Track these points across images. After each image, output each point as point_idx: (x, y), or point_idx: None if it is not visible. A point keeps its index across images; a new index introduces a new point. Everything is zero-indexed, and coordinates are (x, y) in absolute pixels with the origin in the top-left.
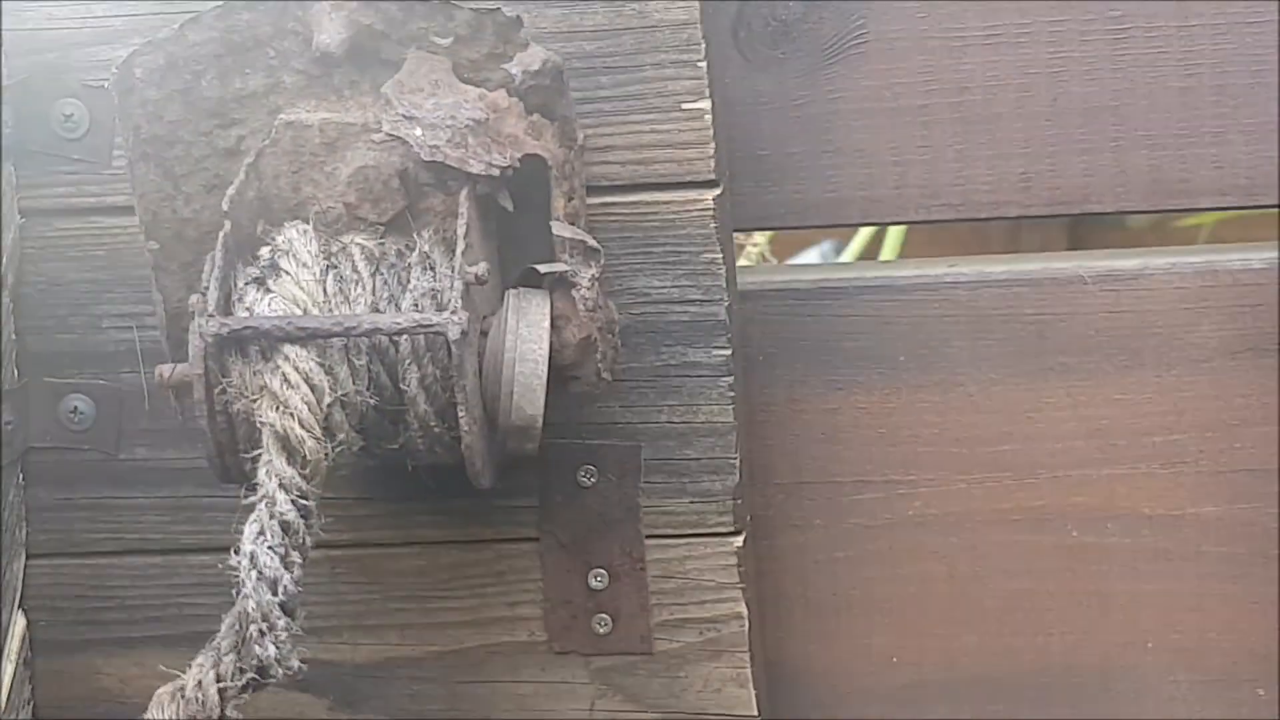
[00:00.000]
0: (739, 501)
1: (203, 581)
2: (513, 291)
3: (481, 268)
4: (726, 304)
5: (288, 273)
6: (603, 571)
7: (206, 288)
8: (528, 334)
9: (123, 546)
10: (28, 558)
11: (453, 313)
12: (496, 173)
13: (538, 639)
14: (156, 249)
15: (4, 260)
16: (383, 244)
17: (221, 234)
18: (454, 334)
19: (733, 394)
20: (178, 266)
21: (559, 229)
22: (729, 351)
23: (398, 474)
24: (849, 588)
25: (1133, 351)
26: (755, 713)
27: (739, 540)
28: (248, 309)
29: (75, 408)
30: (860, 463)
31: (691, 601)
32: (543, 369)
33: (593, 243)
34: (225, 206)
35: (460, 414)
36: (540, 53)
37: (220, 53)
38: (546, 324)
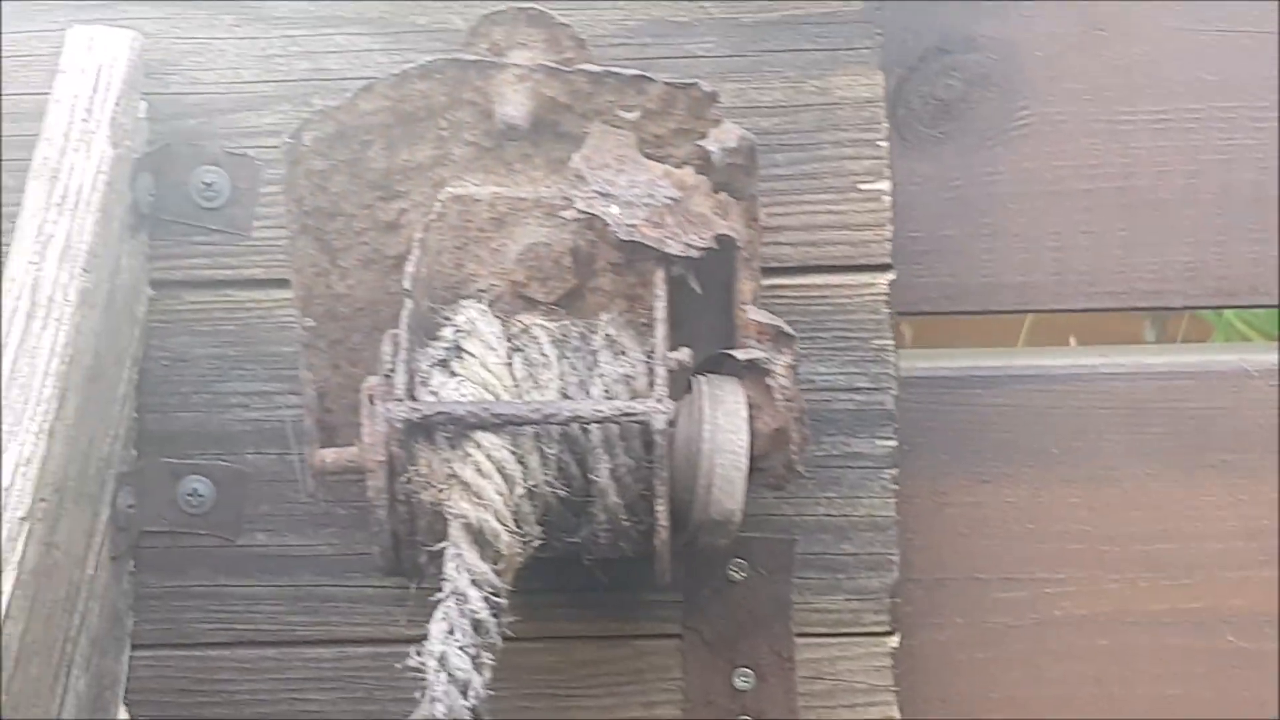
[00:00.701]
0: (896, 600)
1: (318, 676)
2: (703, 378)
3: (685, 354)
4: (894, 393)
5: (473, 355)
6: (749, 671)
7: (391, 370)
8: (725, 423)
9: (234, 638)
10: (132, 649)
11: (658, 400)
12: (695, 254)
13: None
14: (312, 325)
15: (136, 333)
16: (564, 325)
17: (405, 313)
18: (659, 423)
19: (895, 487)
20: (326, 345)
21: (754, 313)
22: (894, 443)
23: (534, 564)
24: (990, 691)
25: None
26: None
27: (894, 640)
28: (433, 393)
29: (194, 490)
30: (1006, 559)
31: (841, 704)
32: (743, 461)
33: (788, 329)
34: (407, 284)
35: (658, 507)
36: (735, 129)
37: (390, 123)
38: (744, 413)
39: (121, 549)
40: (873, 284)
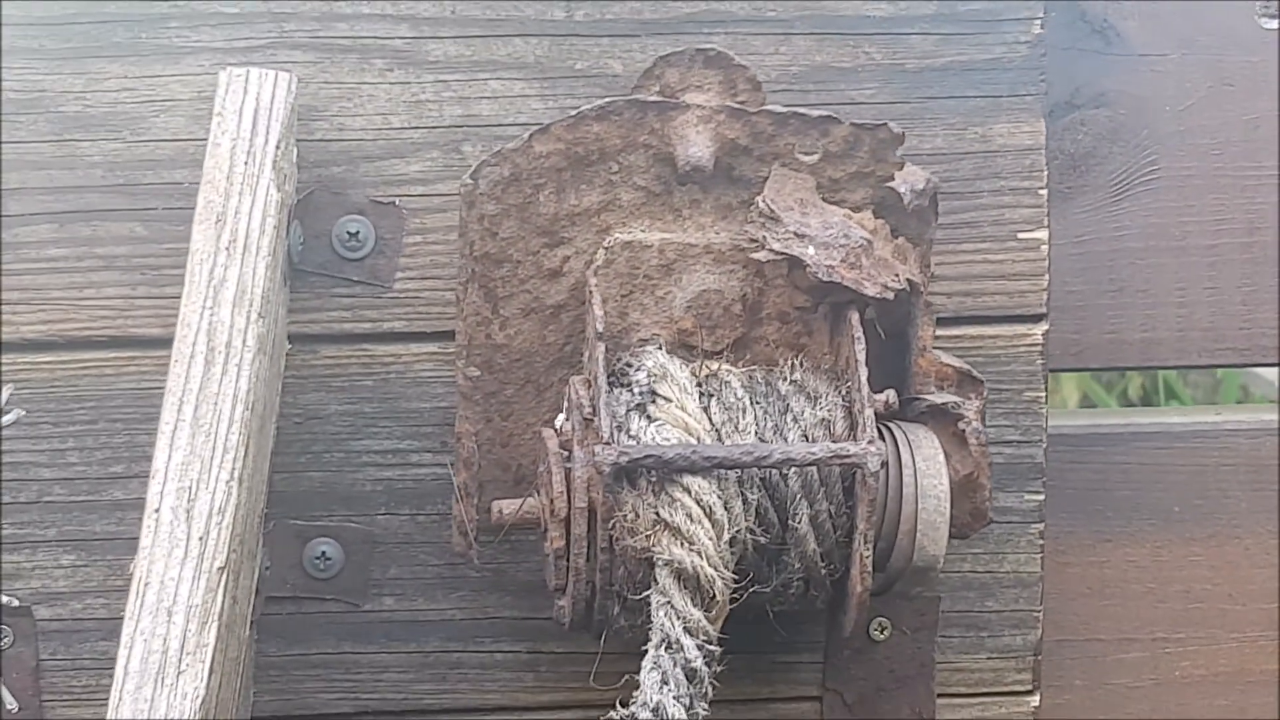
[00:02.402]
0: (1038, 658)
1: None
2: (894, 424)
3: (890, 395)
4: (1044, 446)
5: (669, 400)
6: None
7: (590, 414)
8: (926, 468)
9: (358, 707)
10: None
11: (869, 442)
12: (891, 295)
13: None
14: (477, 375)
15: (279, 386)
16: (749, 370)
17: (599, 356)
18: (873, 465)
19: (1042, 542)
20: (481, 397)
21: (946, 358)
22: (1042, 497)
23: None
24: None
25: None
26: None
27: (1035, 700)
28: (633, 437)
29: (323, 553)
30: (1126, 619)
31: None
32: (946, 506)
33: (976, 373)
34: (600, 327)
35: (863, 553)
36: (921, 171)
37: (562, 166)
38: (942, 458)
39: (258, 613)
40: (1028, 335)
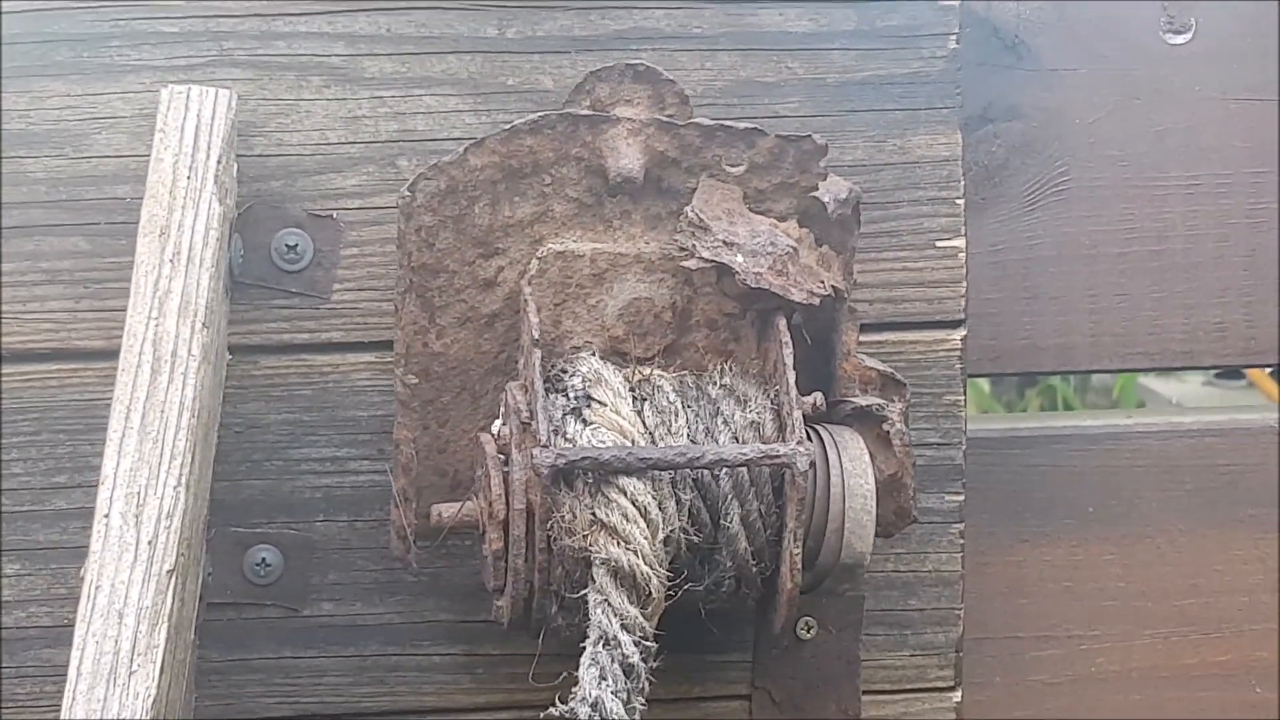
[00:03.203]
0: (960, 655)
1: None
2: (820, 426)
3: (818, 398)
4: (964, 448)
5: (603, 404)
6: None
7: (528, 418)
8: (852, 468)
9: (298, 711)
10: None
11: (798, 443)
12: (817, 301)
13: None
14: (415, 383)
15: (220, 396)
16: (680, 375)
17: (535, 362)
18: (802, 465)
19: (963, 541)
20: (419, 404)
21: (871, 362)
22: (962, 498)
23: None
24: None
25: None
26: None
27: (957, 695)
28: (569, 440)
29: (263, 559)
30: (1043, 618)
31: None
32: (872, 504)
33: (899, 376)
34: (535, 334)
35: (793, 550)
36: (844, 182)
37: (497, 179)
38: (868, 458)
39: (200, 619)
40: (947, 340)
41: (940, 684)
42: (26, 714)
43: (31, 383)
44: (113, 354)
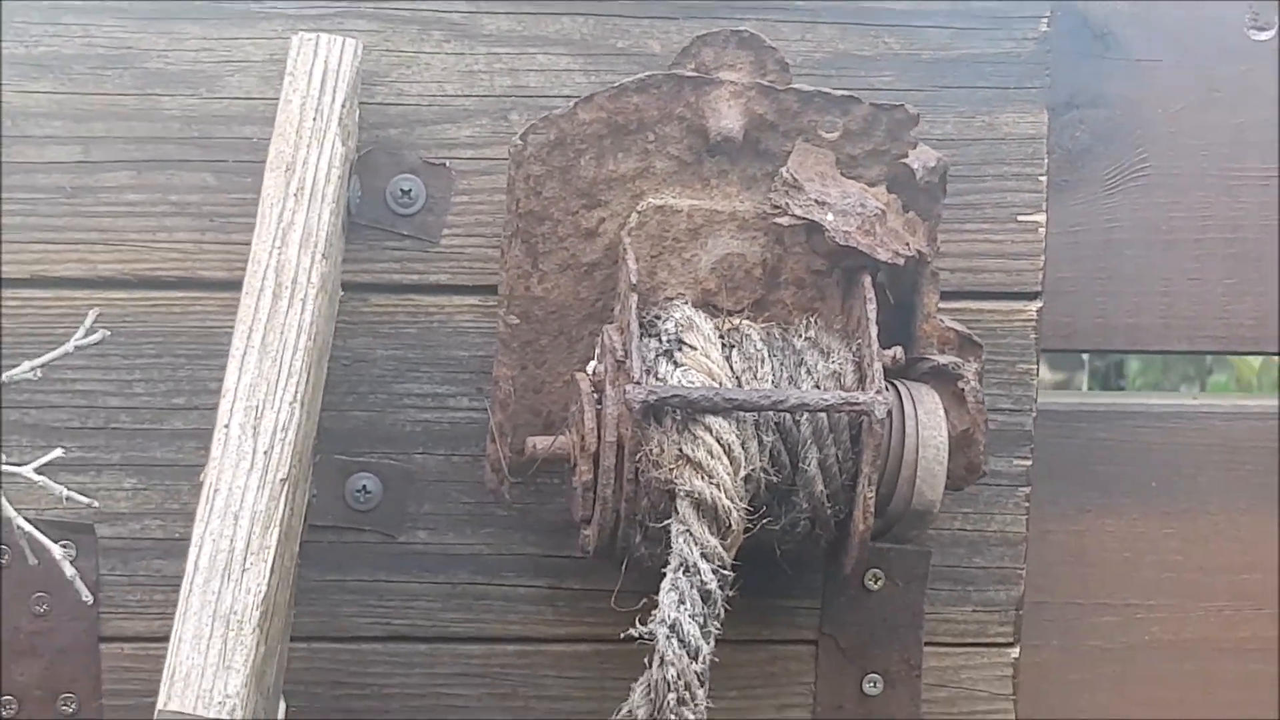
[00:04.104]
0: (1020, 613)
1: (467, 672)
2: (899, 382)
3: (897, 352)
4: (1034, 415)
5: (694, 348)
6: (878, 677)
7: (623, 357)
8: (927, 420)
9: (389, 632)
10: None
11: (877, 392)
12: (901, 262)
13: None
14: (516, 324)
15: (333, 329)
16: (767, 326)
17: (632, 305)
18: (880, 412)
19: (1028, 505)
20: (519, 345)
21: (950, 322)
22: (1030, 462)
23: None
24: (1081, 711)
25: None
26: None
27: (1015, 651)
28: (660, 379)
29: (363, 487)
30: (1102, 586)
31: (962, 712)
32: (944, 455)
33: (976, 338)
34: (633, 279)
35: (866, 495)
36: (933, 152)
37: (603, 133)
38: (942, 413)
39: (303, 538)
40: (1023, 310)
41: (1000, 640)
42: (135, 620)
43: (157, 308)
44: (234, 285)
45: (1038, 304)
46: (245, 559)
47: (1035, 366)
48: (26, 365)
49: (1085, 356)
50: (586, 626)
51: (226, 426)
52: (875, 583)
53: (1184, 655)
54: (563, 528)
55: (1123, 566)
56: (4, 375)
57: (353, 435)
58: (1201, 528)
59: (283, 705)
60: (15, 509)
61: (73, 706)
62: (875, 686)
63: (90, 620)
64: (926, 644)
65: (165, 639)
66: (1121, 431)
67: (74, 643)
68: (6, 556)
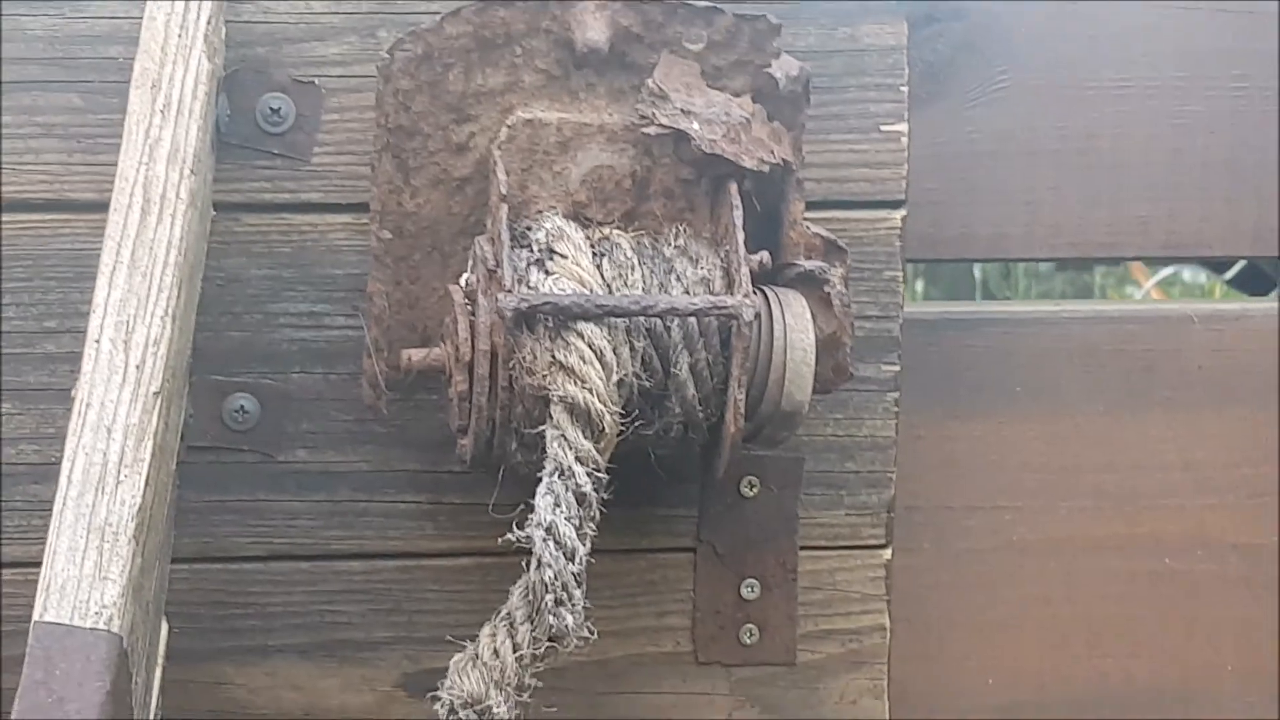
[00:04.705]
0: (891, 515)
1: (349, 589)
2: (767, 288)
3: (764, 256)
4: (900, 321)
5: (565, 256)
6: (755, 582)
7: (494, 266)
8: (794, 324)
9: (270, 551)
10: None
11: (745, 296)
12: (767, 169)
13: (683, 649)
14: (389, 239)
15: (204, 248)
16: (637, 236)
17: (503, 215)
18: (748, 316)
19: (897, 409)
20: (392, 260)
21: (816, 229)
22: (898, 368)
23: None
24: (952, 611)
25: (1231, 389)
26: None
27: (888, 553)
28: (532, 288)
29: (241, 407)
30: (971, 490)
31: (837, 613)
32: (811, 357)
33: (841, 243)
34: (503, 190)
35: (737, 397)
36: (795, 61)
37: (471, 48)
38: (809, 316)
39: (181, 457)
40: (888, 219)
41: (872, 542)
42: (13, 546)
43: (26, 231)
44: (103, 206)
45: (902, 212)
46: (119, 472)
47: (901, 274)
48: None
49: (976, 275)
50: (467, 540)
51: (97, 341)
52: (750, 490)
53: (1050, 554)
54: (441, 443)
55: (990, 470)
56: None
57: (228, 355)
58: (1063, 430)
59: (165, 626)
60: None
61: None
62: (753, 591)
63: None
64: (801, 548)
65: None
66: (985, 338)
67: None
68: None
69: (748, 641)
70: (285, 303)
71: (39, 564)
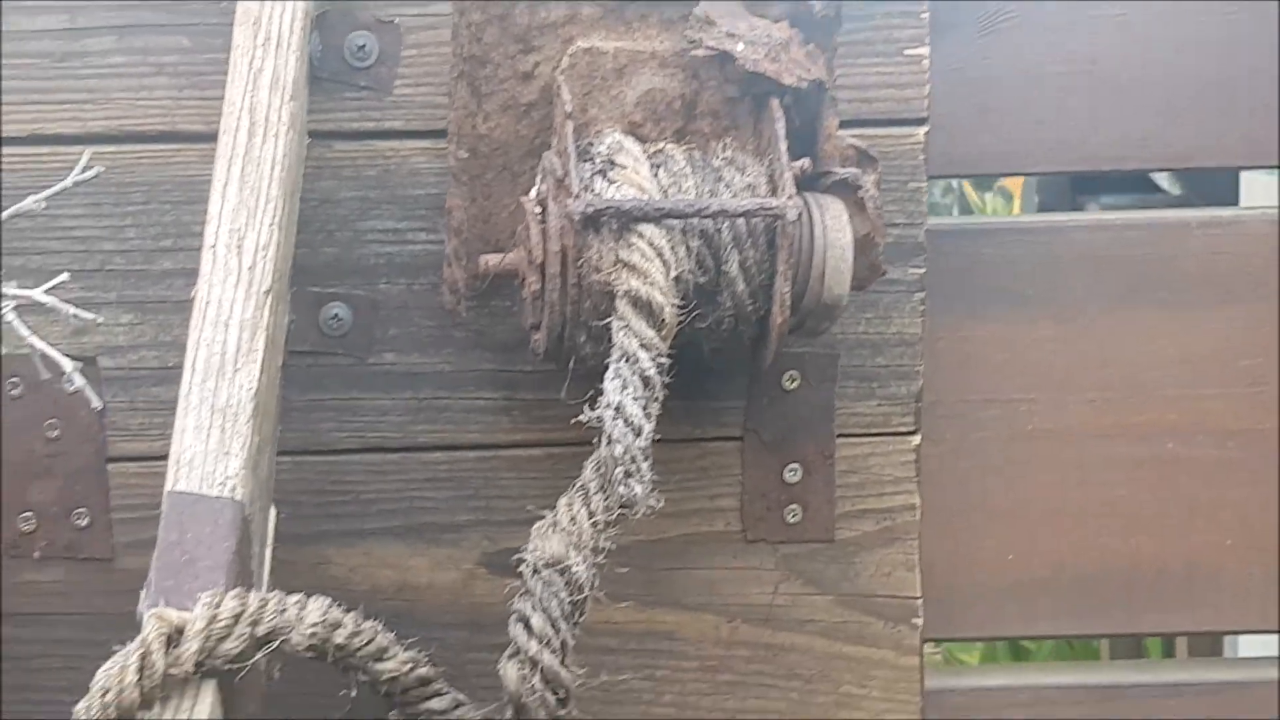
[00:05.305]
0: (919, 405)
1: (434, 477)
2: (807, 193)
3: (805, 162)
4: (925, 227)
5: (625, 166)
6: (797, 466)
7: (563, 176)
8: (833, 225)
9: (363, 444)
10: None
11: (789, 198)
12: (805, 85)
13: (732, 529)
14: (465, 158)
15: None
16: (688, 149)
17: (569, 131)
18: (792, 215)
19: (923, 308)
20: (468, 178)
21: (850, 139)
22: (923, 270)
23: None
24: (972, 495)
25: (1228, 289)
26: (919, 594)
27: (917, 439)
28: (596, 195)
29: (335, 315)
30: (988, 385)
31: (872, 494)
32: (849, 254)
33: (872, 152)
34: (568, 108)
35: (783, 291)
36: None
37: None
38: (846, 217)
39: (284, 359)
40: (912, 135)
41: (902, 429)
42: (138, 441)
43: (143, 160)
44: (210, 136)
45: (924, 128)
46: (236, 360)
47: (924, 185)
48: (31, 199)
49: None
50: (539, 432)
51: (213, 247)
52: (792, 383)
53: (1061, 442)
54: (515, 345)
55: (1004, 367)
56: (11, 209)
57: (323, 269)
58: (1070, 330)
59: (273, 513)
60: (23, 338)
61: (85, 520)
62: (795, 475)
63: (98, 443)
64: (838, 435)
65: (165, 457)
66: (1000, 246)
67: (84, 464)
68: (19, 387)
69: (791, 521)
70: (373, 221)
71: (161, 458)
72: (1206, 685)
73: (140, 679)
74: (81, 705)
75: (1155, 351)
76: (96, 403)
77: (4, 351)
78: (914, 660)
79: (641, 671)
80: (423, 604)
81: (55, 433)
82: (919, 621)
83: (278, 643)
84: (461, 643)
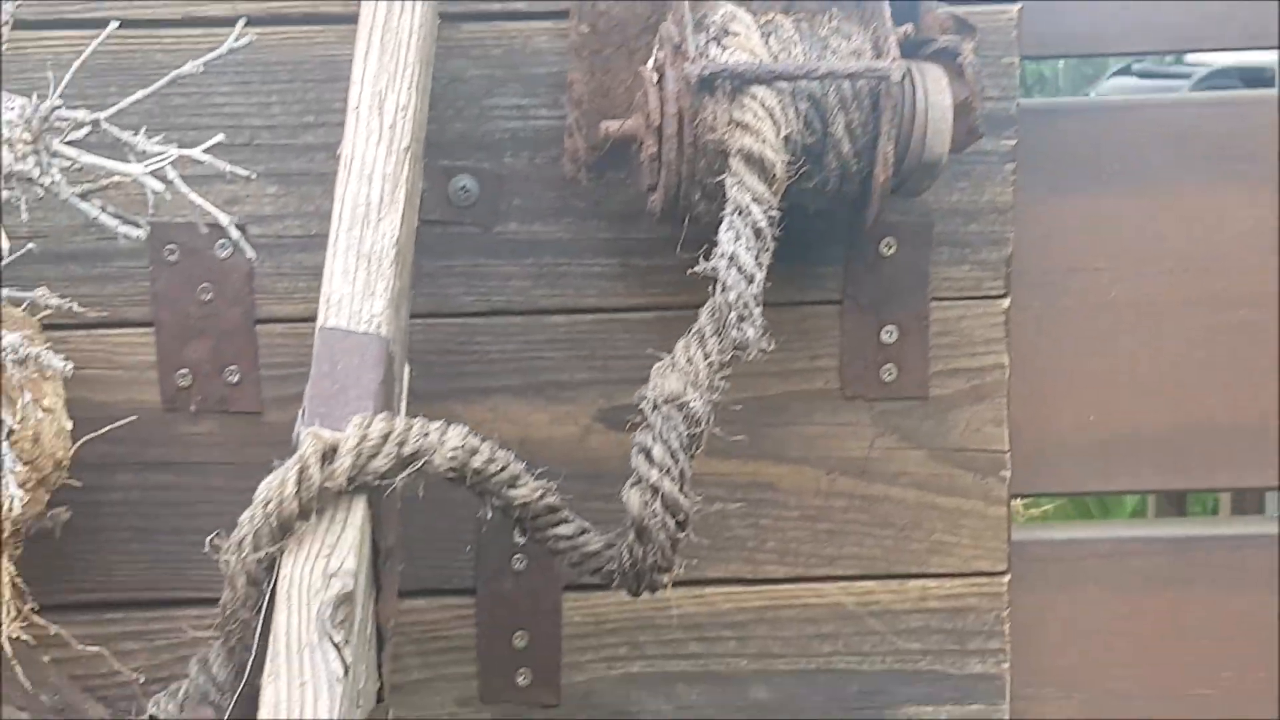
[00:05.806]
0: (1009, 269)
1: (554, 338)
2: (908, 60)
3: (908, 27)
4: (1017, 100)
5: (737, 34)
6: (893, 328)
7: (679, 43)
8: (934, 88)
9: (489, 307)
10: None
11: (893, 60)
12: None
13: (832, 386)
14: (586, 32)
15: (434, 51)
16: (797, 19)
17: (687, 3)
18: (896, 76)
19: (1014, 178)
20: (588, 53)
21: (953, 9)
22: (1014, 142)
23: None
24: (1057, 359)
25: None
26: (1007, 448)
27: (1006, 302)
28: (711, 60)
29: (463, 186)
30: (1071, 255)
31: (963, 354)
32: (949, 116)
33: (970, 22)
34: None
35: (886, 149)
36: None
37: None
38: (946, 82)
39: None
40: (1005, 12)
41: (993, 292)
42: (284, 303)
43: (287, 41)
44: (349, 18)
45: (1018, 5)
46: (380, 210)
47: (1017, 60)
48: (192, 64)
49: None
50: (651, 296)
51: (357, 109)
52: (889, 249)
53: (1140, 309)
54: (629, 215)
55: (1087, 237)
56: (173, 73)
57: (452, 144)
58: (1148, 203)
59: (407, 370)
60: (184, 195)
61: (236, 377)
62: (891, 335)
63: (247, 305)
64: (932, 299)
65: (309, 319)
66: (1083, 125)
67: (235, 325)
68: (176, 254)
69: (887, 379)
70: (498, 98)
71: (305, 319)
72: (1262, 538)
73: (299, 490)
74: (245, 515)
75: (1230, 224)
76: (250, 253)
77: (164, 219)
78: (1001, 511)
79: (746, 520)
80: (543, 457)
81: (208, 296)
82: (1006, 474)
83: (421, 463)
84: (580, 493)
